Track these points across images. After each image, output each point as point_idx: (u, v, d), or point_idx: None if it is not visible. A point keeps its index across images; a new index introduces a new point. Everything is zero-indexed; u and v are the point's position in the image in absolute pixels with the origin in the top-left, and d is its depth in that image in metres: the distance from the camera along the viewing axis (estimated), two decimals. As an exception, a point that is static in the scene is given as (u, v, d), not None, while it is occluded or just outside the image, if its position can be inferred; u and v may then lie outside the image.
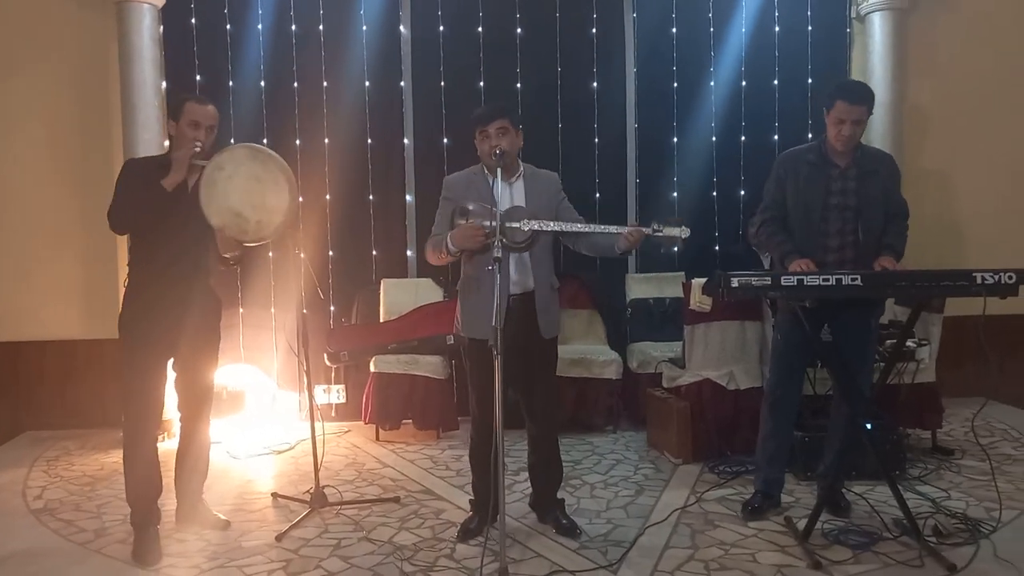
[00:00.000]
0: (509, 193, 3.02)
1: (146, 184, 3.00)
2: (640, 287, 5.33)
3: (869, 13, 5.16)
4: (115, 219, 3.05)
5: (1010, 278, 2.73)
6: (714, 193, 5.40)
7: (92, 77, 5.02)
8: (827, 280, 2.78)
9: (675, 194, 5.38)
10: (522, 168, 3.10)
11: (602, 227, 2.97)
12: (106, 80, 4.99)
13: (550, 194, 3.08)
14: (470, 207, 3.03)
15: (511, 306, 2.92)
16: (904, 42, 5.18)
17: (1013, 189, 5.39)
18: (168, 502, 3.26)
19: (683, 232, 2.84)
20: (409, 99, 5.28)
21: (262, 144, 4.79)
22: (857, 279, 2.78)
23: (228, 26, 5.11)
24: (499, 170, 2.93)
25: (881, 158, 3.37)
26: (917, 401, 4.15)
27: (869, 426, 3.08)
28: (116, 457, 4.30)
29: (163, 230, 3.01)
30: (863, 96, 3.18)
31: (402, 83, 5.26)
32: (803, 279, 2.80)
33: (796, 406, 3.41)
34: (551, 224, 2.95)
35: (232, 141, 4.93)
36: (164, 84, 4.97)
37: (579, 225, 2.98)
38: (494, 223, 2.83)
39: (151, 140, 4.80)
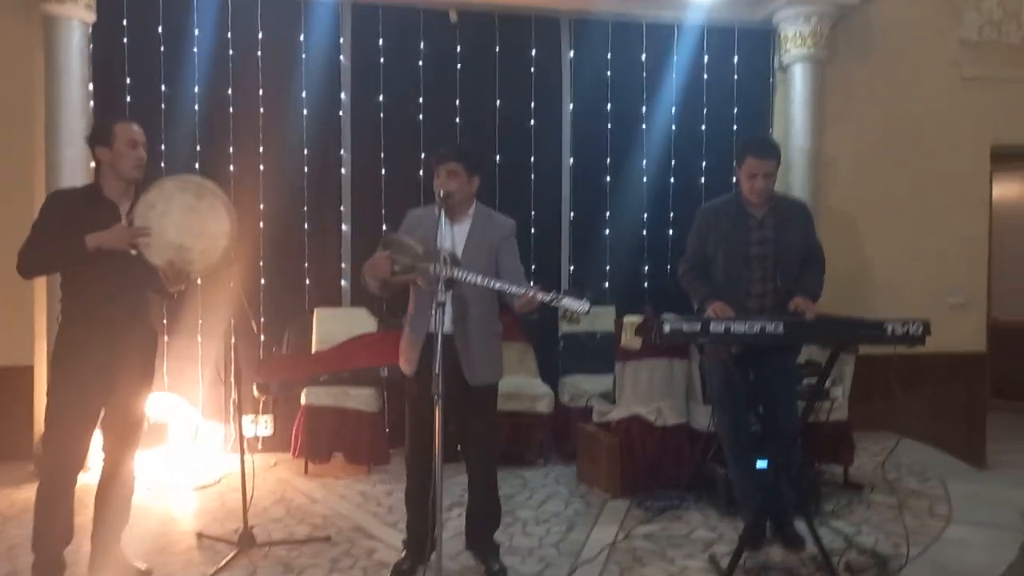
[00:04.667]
0: (456, 233, 3.06)
1: (68, 227, 2.88)
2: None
3: (791, 64, 5.45)
4: (26, 265, 2.94)
5: (918, 329, 2.93)
6: (644, 231, 5.58)
7: (12, 89, 4.82)
8: (752, 328, 2.92)
9: (607, 231, 5.53)
10: (473, 210, 3.12)
11: (504, 285, 2.84)
12: (29, 94, 4.81)
13: (493, 239, 3.08)
14: (399, 237, 3.05)
15: (431, 347, 2.86)
16: (822, 91, 5.49)
17: (915, 232, 5.74)
18: (81, 546, 3.10)
19: (582, 306, 2.64)
20: (348, 127, 5.28)
21: (193, 171, 4.79)
22: (780, 327, 2.93)
23: (161, 47, 5.00)
24: (443, 211, 2.96)
25: (795, 207, 3.57)
26: (831, 438, 4.36)
27: (763, 464, 3.26)
28: (27, 493, 4.09)
29: (95, 269, 2.90)
30: (770, 151, 3.38)
31: (340, 113, 5.25)
32: (729, 326, 2.93)
33: (750, 442, 3.51)
34: (459, 273, 2.82)
35: (163, 164, 4.85)
36: (91, 103, 4.82)
37: (478, 277, 2.82)
38: (416, 262, 2.86)
39: (75, 158, 4.65)
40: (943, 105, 5.73)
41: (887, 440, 5.18)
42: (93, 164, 3.20)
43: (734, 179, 5.38)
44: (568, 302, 2.69)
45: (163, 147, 4.92)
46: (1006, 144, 5.86)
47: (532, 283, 2.94)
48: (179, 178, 3.12)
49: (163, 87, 5.01)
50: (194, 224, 3.01)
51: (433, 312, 2.74)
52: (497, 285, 2.85)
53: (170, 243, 2.98)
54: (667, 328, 2.91)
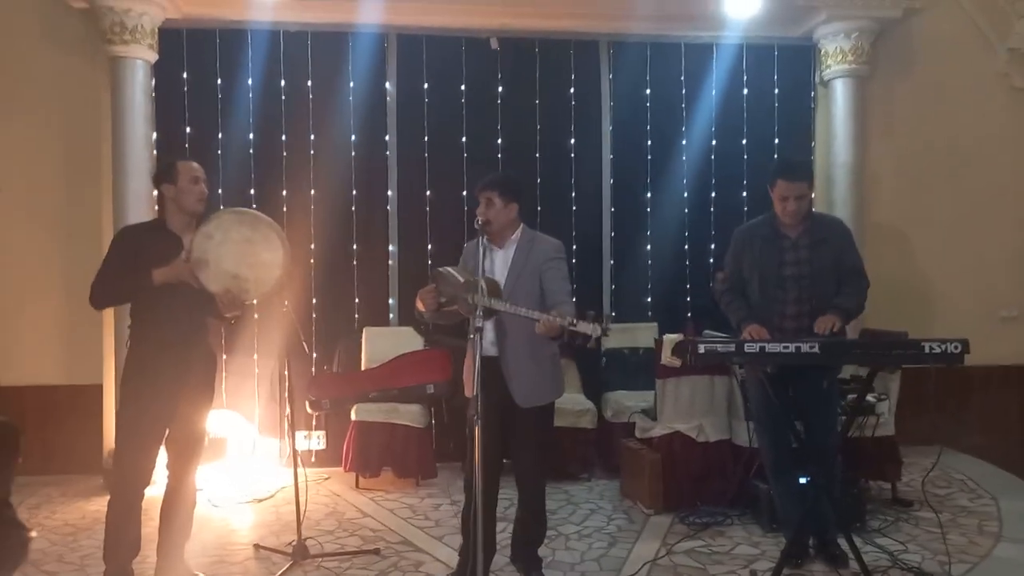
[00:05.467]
0: (501, 259, 3.18)
1: (136, 261, 3.10)
2: (615, 337, 5.47)
3: (832, 79, 5.45)
4: (97, 298, 3.17)
5: (956, 348, 2.93)
6: (686, 248, 5.62)
7: (82, 127, 5.14)
8: (787, 348, 2.97)
9: (648, 249, 5.59)
10: (518, 235, 3.23)
11: (526, 311, 2.90)
12: (97, 130, 5.12)
13: (537, 262, 3.17)
14: (444, 270, 3.19)
15: (484, 370, 3.00)
16: (864, 106, 5.47)
17: (964, 245, 5.65)
18: (147, 556, 3.30)
19: (595, 331, 2.69)
20: (394, 154, 5.46)
21: (249, 203, 5.04)
22: (815, 347, 2.97)
23: (219, 80, 5.27)
24: (483, 238, 3.08)
25: (831, 224, 3.59)
26: (877, 454, 4.34)
27: (803, 480, 3.28)
28: (97, 505, 4.36)
29: (161, 298, 3.12)
30: (800, 174, 3.42)
31: (387, 139, 5.44)
32: (764, 346, 2.99)
33: (791, 459, 3.53)
34: (492, 301, 2.90)
35: (220, 192, 5.10)
36: (155, 135, 5.10)
37: (506, 306, 2.91)
38: (458, 292, 2.99)
39: (139, 190, 4.92)
40: (991, 116, 5.65)
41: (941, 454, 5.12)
42: (156, 199, 3.42)
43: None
44: (584, 326, 2.79)
45: (220, 175, 5.15)
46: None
47: (575, 303, 3.06)
48: (236, 211, 3.33)
49: (219, 118, 5.27)
50: (249, 254, 3.21)
51: (471, 338, 2.87)
52: (524, 312, 2.93)
53: (226, 272, 3.17)
54: (702, 349, 2.98)
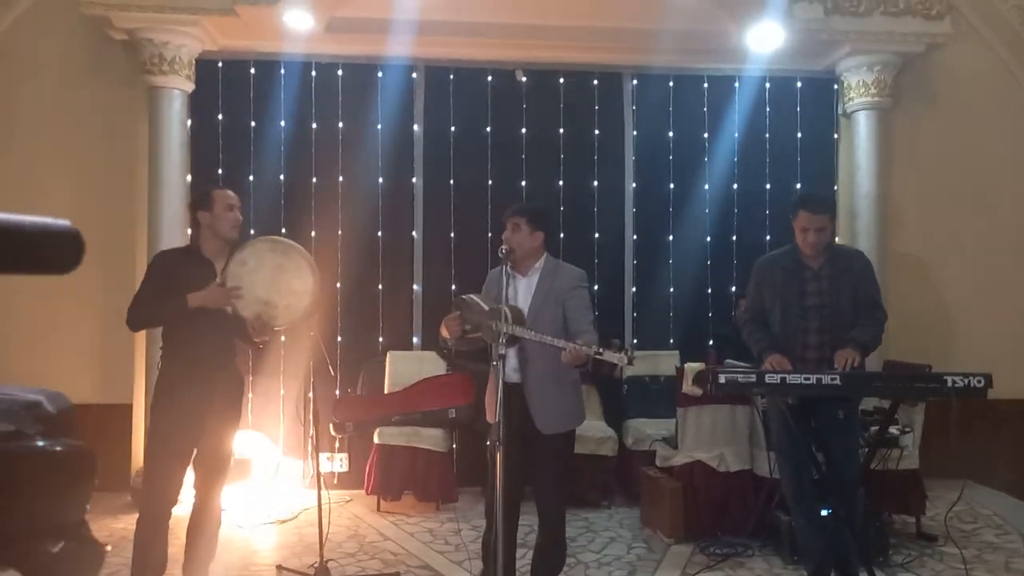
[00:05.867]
0: (525, 286, 3.24)
1: (171, 285, 3.20)
2: (636, 365, 5.43)
3: (855, 112, 5.48)
4: (134, 321, 3.27)
5: (979, 382, 2.93)
6: (708, 276, 5.66)
7: (120, 154, 5.32)
8: (808, 379, 2.98)
9: (671, 278, 5.63)
10: (542, 263, 3.29)
11: (550, 339, 2.94)
12: (134, 157, 5.29)
13: (560, 291, 3.22)
14: (468, 297, 3.25)
15: (507, 396, 3.06)
16: (887, 139, 5.49)
17: (991, 277, 5.62)
18: (173, 574, 3.36)
19: (620, 359, 2.72)
20: (420, 185, 5.58)
21: (280, 235, 5.16)
22: (836, 379, 2.98)
23: (252, 109, 5.43)
24: (507, 265, 3.14)
25: (852, 256, 3.61)
26: (901, 487, 4.30)
27: (825, 512, 3.26)
28: (125, 523, 4.44)
29: (193, 321, 3.21)
30: (823, 206, 3.45)
31: (414, 179, 5.56)
32: (785, 377, 3.01)
33: (813, 490, 3.52)
34: (516, 328, 2.94)
35: (252, 231, 5.22)
36: (188, 175, 5.25)
37: (531, 333, 2.95)
38: (482, 320, 3.04)
39: (174, 215, 5.08)
40: (1015, 148, 5.64)
41: (966, 489, 5.05)
42: (190, 228, 3.53)
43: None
44: (609, 355, 2.83)
45: (252, 212, 5.26)
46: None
47: (595, 332, 3.09)
48: (270, 239, 3.43)
49: (251, 148, 5.42)
50: (280, 282, 3.31)
51: (494, 364, 2.92)
52: (547, 340, 2.98)
53: (258, 298, 3.27)
54: (722, 379, 3.01)
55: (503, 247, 3.18)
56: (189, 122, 5.28)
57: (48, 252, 0.74)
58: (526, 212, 3.27)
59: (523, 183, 5.55)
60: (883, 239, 5.40)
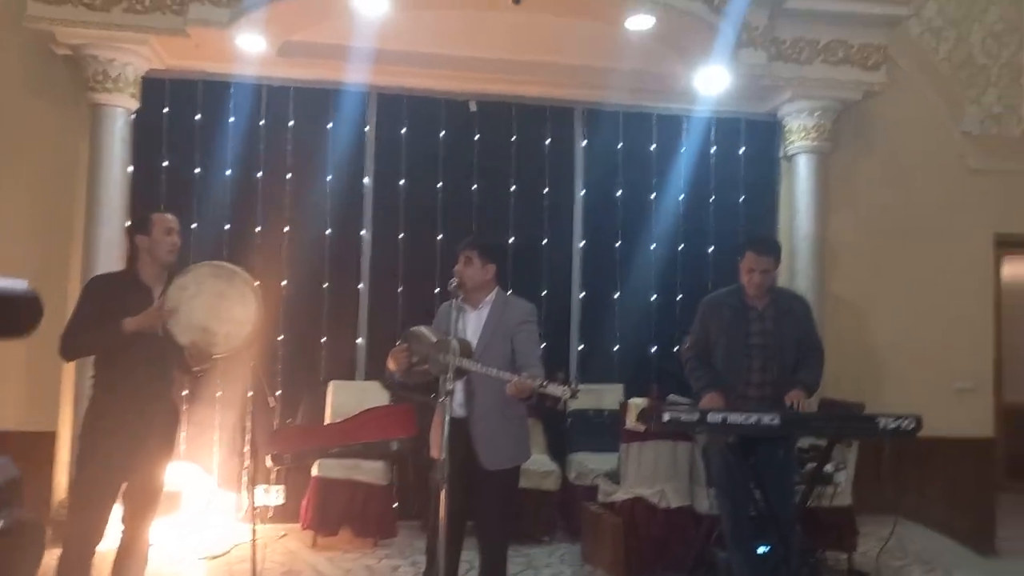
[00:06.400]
0: (475, 319, 3.22)
1: (107, 311, 3.09)
2: (581, 398, 5.43)
3: (795, 155, 5.66)
4: (68, 349, 3.16)
5: (910, 424, 3.03)
6: (652, 313, 5.73)
7: (57, 172, 5.14)
8: (749, 419, 3.03)
9: (616, 311, 5.68)
10: (493, 296, 3.28)
11: (498, 372, 2.94)
12: (72, 176, 5.11)
13: (508, 325, 3.21)
14: (416, 330, 3.22)
15: (452, 431, 3.02)
16: (826, 181, 5.67)
17: (921, 318, 5.82)
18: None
19: (565, 394, 2.77)
20: (369, 209, 5.54)
21: (222, 255, 5.05)
22: (776, 419, 3.05)
23: (198, 133, 5.32)
24: (458, 298, 3.12)
25: (794, 300, 3.73)
26: (834, 523, 4.38)
27: (762, 549, 3.31)
28: (46, 558, 4.21)
29: (128, 349, 3.10)
30: (769, 248, 3.57)
31: (363, 195, 5.53)
32: (726, 417, 3.05)
33: (751, 527, 3.58)
34: (460, 361, 2.94)
35: (194, 227, 5.11)
36: (131, 168, 5.11)
37: (477, 366, 2.96)
38: (430, 352, 3.02)
39: (111, 237, 4.91)
40: (948, 195, 5.88)
41: (896, 525, 5.18)
42: (127, 250, 3.43)
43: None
44: (553, 388, 2.83)
45: (194, 225, 5.17)
46: (1009, 232, 5.99)
47: (542, 367, 3.09)
48: (213, 264, 3.34)
49: (197, 169, 5.31)
50: (221, 309, 3.23)
51: (441, 400, 2.89)
52: (495, 373, 2.97)
53: (196, 325, 3.18)
54: (666, 417, 3.04)
55: (453, 280, 3.17)
56: (132, 140, 5.13)
57: (4, 319, 0.69)
58: (478, 245, 3.27)
59: (473, 213, 5.55)
60: (820, 279, 5.55)
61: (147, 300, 3.22)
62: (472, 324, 3.25)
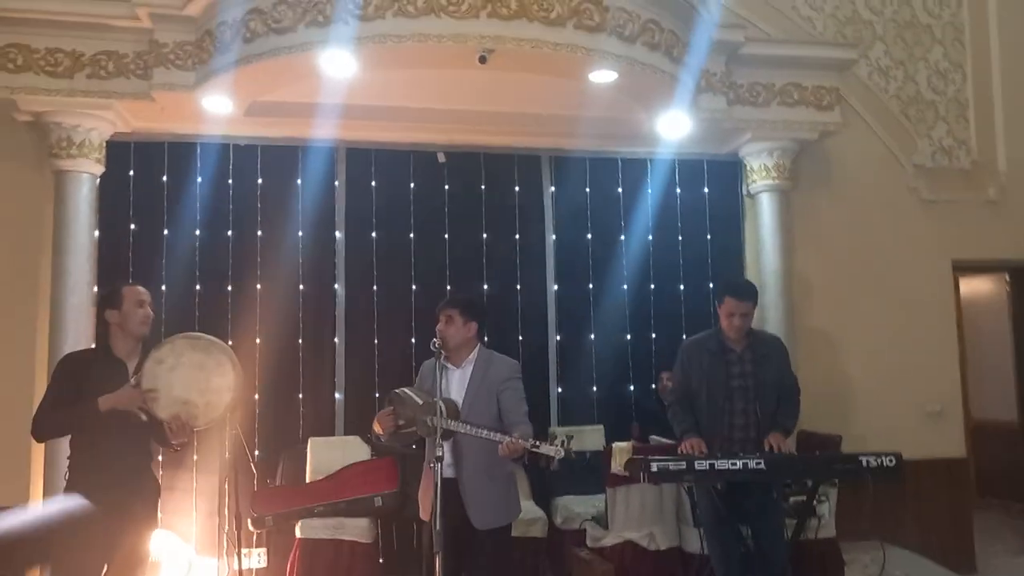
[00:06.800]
0: (458, 378, 3.23)
1: (80, 389, 3.05)
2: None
3: (758, 193, 5.82)
4: (40, 430, 3.11)
5: (891, 461, 3.11)
6: (628, 352, 5.78)
7: (21, 238, 5.05)
8: (735, 464, 3.09)
9: (593, 353, 5.73)
10: (476, 354, 3.29)
11: (489, 433, 2.99)
12: (37, 242, 5.03)
13: (493, 382, 3.24)
14: (401, 392, 3.23)
15: (442, 491, 3.03)
16: (790, 217, 5.82)
17: (888, 346, 5.96)
18: None
19: (558, 453, 2.83)
20: (342, 264, 5.52)
21: (193, 326, 5.00)
22: (761, 463, 3.11)
23: (165, 194, 5.29)
24: (441, 356, 3.14)
25: (772, 342, 3.82)
26: (820, 556, 4.44)
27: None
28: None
29: (105, 427, 3.05)
30: (748, 293, 3.67)
31: (335, 250, 5.52)
32: (714, 464, 3.10)
33: (742, 565, 3.61)
34: (449, 423, 2.98)
35: (164, 289, 5.04)
36: (96, 233, 5.04)
37: (467, 427, 3.00)
38: (416, 414, 3.03)
39: (79, 304, 4.84)
40: (905, 226, 6.08)
41: (877, 550, 5.26)
42: (96, 325, 3.38)
43: (712, 308, 5.74)
44: (546, 448, 2.87)
45: (164, 287, 5.12)
46: (966, 259, 6.21)
47: (530, 424, 3.12)
48: (190, 337, 3.33)
49: (166, 231, 5.26)
50: (200, 380, 3.21)
51: (431, 464, 2.89)
52: (484, 434, 2.99)
53: (176, 398, 3.15)
54: (655, 467, 3.07)
55: (435, 340, 3.19)
56: (98, 204, 5.08)
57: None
58: (459, 304, 3.30)
59: (447, 261, 5.58)
60: (790, 313, 5.67)
61: (122, 375, 3.18)
62: (456, 383, 3.27)
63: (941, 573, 4.98)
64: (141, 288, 3.34)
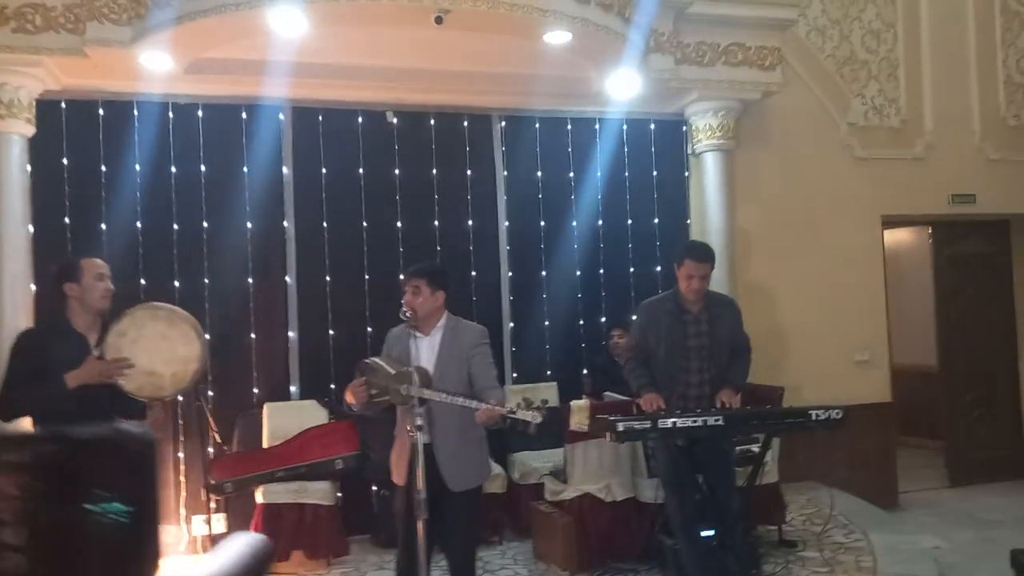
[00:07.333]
0: (427, 346, 3.27)
1: (42, 365, 2.97)
2: (516, 398, 5.65)
3: (703, 152, 5.96)
4: (6, 411, 3.03)
5: (837, 414, 3.33)
6: (579, 307, 5.92)
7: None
8: (696, 422, 3.26)
9: (545, 311, 5.84)
10: (443, 321, 3.33)
11: (466, 401, 3.04)
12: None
13: (462, 349, 3.29)
14: (372, 361, 3.26)
15: (415, 457, 3.10)
16: (732, 176, 5.99)
17: (822, 298, 6.28)
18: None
19: (535, 418, 2.90)
20: (292, 229, 5.43)
21: (137, 290, 4.86)
22: (720, 420, 3.28)
23: (102, 154, 5.07)
24: (412, 328, 3.18)
25: (726, 302, 3.99)
26: (764, 500, 4.73)
27: (708, 533, 3.59)
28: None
29: (70, 404, 2.99)
30: (707, 255, 3.80)
31: (285, 223, 5.41)
32: (676, 422, 3.26)
33: (697, 514, 3.82)
34: (424, 392, 3.02)
35: (104, 256, 4.84)
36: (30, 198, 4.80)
37: (443, 395, 3.03)
38: (390, 383, 3.07)
39: (18, 272, 4.67)
40: (839, 183, 6.36)
41: (812, 491, 5.65)
42: (53, 298, 3.29)
43: (657, 268, 5.92)
44: (522, 414, 2.96)
45: (105, 254, 4.91)
46: (894, 214, 6.54)
47: (501, 389, 3.21)
48: (150, 307, 3.27)
49: (103, 194, 5.06)
50: (165, 350, 3.16)
51: (410, 432, 2.95)
52: (460, 401, 3.06)
53: (141, 369, 3.10)
54: (621, 427, 3.21)
55: (405, 310, 3.21)
56: (29, 167, 4.84)
57: None
58: (425, 273, 3.31)
59: (399, 224, 5.56)
60: (732, 268, 5.88)
61: (84, 349, 3.11)
62: (425, 350, 3.30)
63: (870, 510, 5.36)
64: (100, 261, 3.25)
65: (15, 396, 2.98)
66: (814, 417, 3.30)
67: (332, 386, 5.31)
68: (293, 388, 5.40)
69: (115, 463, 1.33)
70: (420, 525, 2.85)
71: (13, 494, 1.24)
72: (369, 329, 5.37)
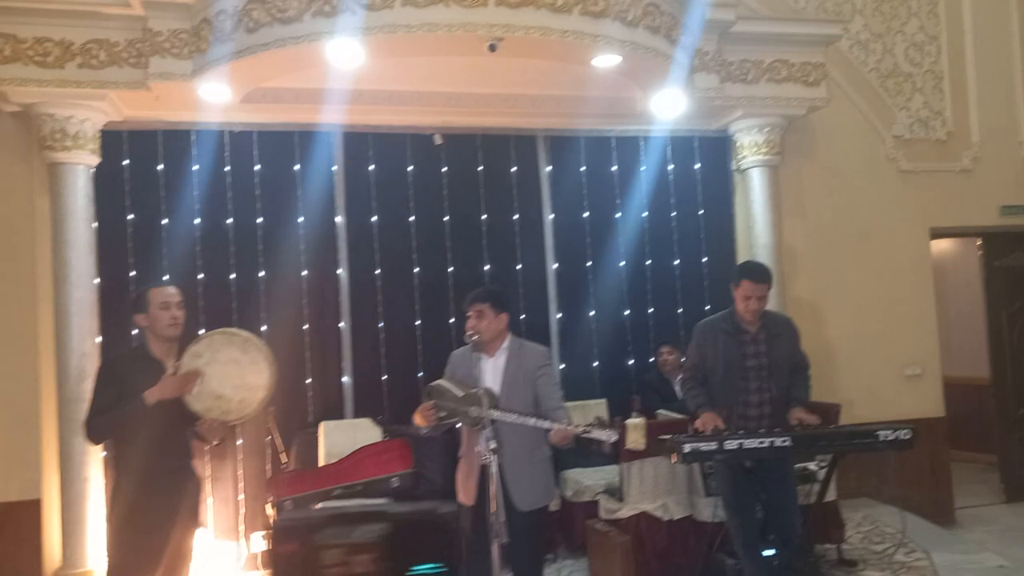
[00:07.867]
0: (492, 367, 3.33)
1: (126, 389, 3.09)
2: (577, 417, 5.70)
3: (748, 168, 5.96)
4: (95, 432, 3.14)
5: (906, 434, 3.32)
6: (627, 326, 5.93)
7: (16, 232, 4.95)
8: (763, 443, 3.26)
9: (593, 328, 5.86)
10: (508, 343, 3.39)
11: (539, 422, 3.12)
12: (31, 237, 4.94)
13: (528, 370, 3.36)
14: (439, 384, 3.33)
15: (484, 478, 3.16)
16: (778, 191, 5.99)
17: (871, 313, 6.24)
18: None
19: (610, 437, 2.98)
20: (344, 248, 5.53)
21: (196, 313, 4.97)
22: (787, 441, 3.28)
23: (162, 183, 5.21)
24: (480, 349, 3.25)
25: (783, 322, 3.99)
26: (822, 518, 4.70)
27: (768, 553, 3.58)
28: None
29: (149, 425, 3.09)
30: (765, 277, 3.81)
31: (336, 235, 5.52)
32: (742, 443, 3.27)
33: (759, 533, 3.83)
34: (495, 413, 3.12)
35: (166, 279, 5.02)
36: (95, 225, 4.96)
37: (515, 416, 3.13)
38: (459, 406, 3.14)
39: (83, 298, 4.80)
40: (885, 196, 6.33)
41: (867, 508, 5.59)
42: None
43: (704, 283, 5.92)
44: (598, 433, 3.01)
45: (166, 277, 5.07)
46: (942, 227, 6.49)
47: (566, 409, 3.26)
48: (227, 332, 3.36)
49: (164, 220, 5.20)
50: (235, 376, 3.25)
51: (484, 456, 3.00)
52: (533, 422, 3.13)
53: (210, 392, 3.20)
54: (687, 448, 3.23)
55: (472, 335, 3.28)
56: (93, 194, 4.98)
57: None
58: (488, 298, 3.39)
59: (447, 243, 5.63)
60: (780, 283, 5.85)
61: (161, 374, 3.22)
62: (489, 372, 3.37)
63: (928, 528, 5.29)
64: (170, 289, 3.34)
65: (103, 418, 3.09)
66: (882, 438, 3.29)
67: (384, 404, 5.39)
68: (347, 406, 5.48)
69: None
70: (495, 547, 2.88)
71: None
72: (420, 355, 5.48)
